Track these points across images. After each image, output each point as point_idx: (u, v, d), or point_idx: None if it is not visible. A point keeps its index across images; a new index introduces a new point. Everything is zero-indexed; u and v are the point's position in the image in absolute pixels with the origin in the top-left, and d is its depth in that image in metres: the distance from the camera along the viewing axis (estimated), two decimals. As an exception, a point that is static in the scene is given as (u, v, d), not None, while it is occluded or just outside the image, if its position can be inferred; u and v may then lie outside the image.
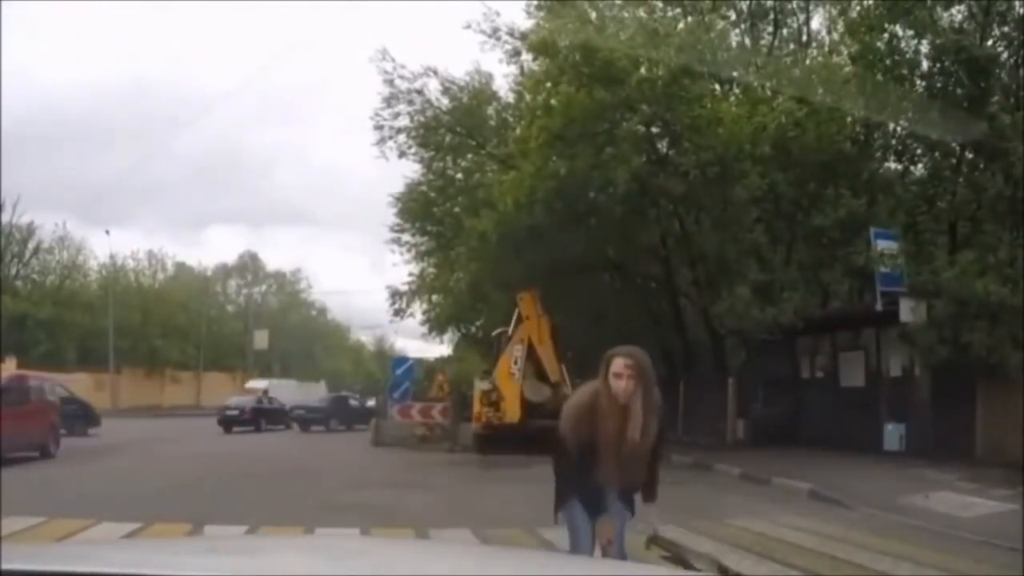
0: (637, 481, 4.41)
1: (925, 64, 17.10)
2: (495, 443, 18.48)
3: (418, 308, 30.40)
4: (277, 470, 16.32)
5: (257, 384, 42.88)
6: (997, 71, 16.10)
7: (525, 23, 21.79)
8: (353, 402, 37.79)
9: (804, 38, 21.56)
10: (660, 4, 20.35)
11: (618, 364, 4.18)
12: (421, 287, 29.54)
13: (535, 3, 21.72)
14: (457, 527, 9.06)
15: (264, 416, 34.09)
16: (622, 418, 4.17)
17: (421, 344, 45.75)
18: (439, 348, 37.60)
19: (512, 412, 19.56)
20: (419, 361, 31.52)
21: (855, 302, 18.79)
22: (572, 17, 18.40)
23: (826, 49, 20.75)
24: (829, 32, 21.27)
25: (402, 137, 24.43)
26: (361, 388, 53.97)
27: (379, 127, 24.06)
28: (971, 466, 12.72)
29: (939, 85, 16.61)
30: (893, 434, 15.51)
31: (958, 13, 17.14)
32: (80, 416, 26.20)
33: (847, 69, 17.61)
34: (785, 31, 21.68)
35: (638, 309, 24.82)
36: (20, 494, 10.51)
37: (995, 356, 13.48)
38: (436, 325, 31.32)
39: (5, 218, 43.64)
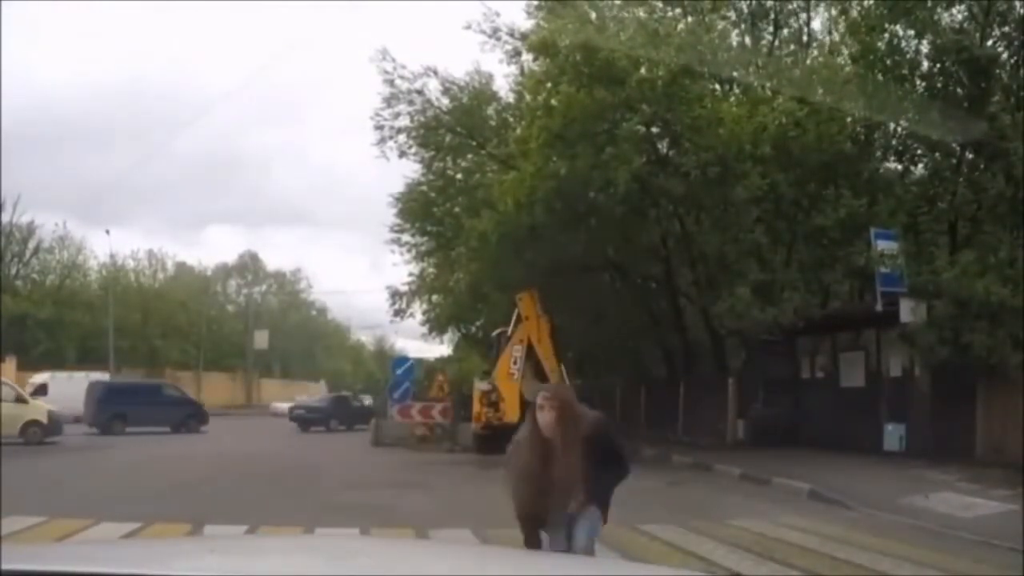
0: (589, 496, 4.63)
1: (925, 64, 17.09)
2: (495, 443, 18.42)
3: (418, 308, 30.48)
4: (277, 470, 16.31)
5: (39, 378, 32.87)
6: (997, 71, 16.09)
7: (525, 23, 21.92)
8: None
9: (804, 38, 21.52)
10: (660, 4, 20.35)
11: (539, 398, 4.69)
12: (421, 287, 29.56)
13: (535, 3, 21.80)
14: (457, 527, 9.06)
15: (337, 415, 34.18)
16: (546, 449, 4.52)
17: (421, 344, 45.54)
18: (439, 348, 37.57)
19: (511, 412, 19.52)
20: (419, 361, 31.38)
21: (855, 302, 18.77)
22: (572, 17, 18.39)
23: (827, 49, 20.71)
24: (830, 32, 21.24)
25: (402, 137, 24.51)
26: (359, 388, 53.83)
27: (379, 127, 24.16)
28: (971, 466, 12.71)
29: (939, 85, 16.61)
30: (893, 434, 15.50)
31: (959, 13, 17.13)
32: (194, 415, 29.64)
33: (848, 69, 17.59)
34: (785, 31, 21.65)
35: (638, 309, 24.84)
36: (20, 494, 10.49)
37: (995, 357, 13.47)
38: (436, 325, 31.32)
39: (5, 218, 43.82)
